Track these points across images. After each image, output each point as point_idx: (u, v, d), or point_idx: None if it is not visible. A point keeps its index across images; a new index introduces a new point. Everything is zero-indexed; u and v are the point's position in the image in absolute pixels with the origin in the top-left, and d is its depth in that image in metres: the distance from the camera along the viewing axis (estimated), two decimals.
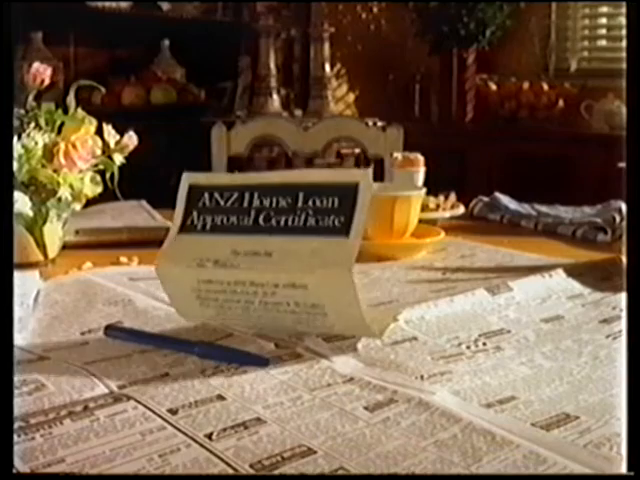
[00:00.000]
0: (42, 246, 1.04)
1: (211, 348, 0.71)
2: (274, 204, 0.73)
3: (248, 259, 0.71)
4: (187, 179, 0.78)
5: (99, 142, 1.05)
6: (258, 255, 0.71)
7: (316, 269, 0.69)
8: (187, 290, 0.75)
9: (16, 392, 0.62)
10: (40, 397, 0.61)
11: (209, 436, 0.55)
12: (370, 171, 0.71)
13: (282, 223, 0.72)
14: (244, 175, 0.79)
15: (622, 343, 0.75)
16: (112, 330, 0.77)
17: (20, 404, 0.60)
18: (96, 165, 1.05)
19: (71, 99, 1.05)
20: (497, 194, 1.49)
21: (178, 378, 0.65)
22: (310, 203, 0.71)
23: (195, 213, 0.76)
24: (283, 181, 0.75)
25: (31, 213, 1.01)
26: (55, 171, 1.00)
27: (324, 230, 0.70)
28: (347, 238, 0.68)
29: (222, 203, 0.75)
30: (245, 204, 0.74)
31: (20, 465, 0.51)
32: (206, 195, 0.76)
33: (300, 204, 0.71)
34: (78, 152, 1.01)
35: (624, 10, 3.19)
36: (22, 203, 0.99)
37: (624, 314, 0.83)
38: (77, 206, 1.05)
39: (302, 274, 0.69)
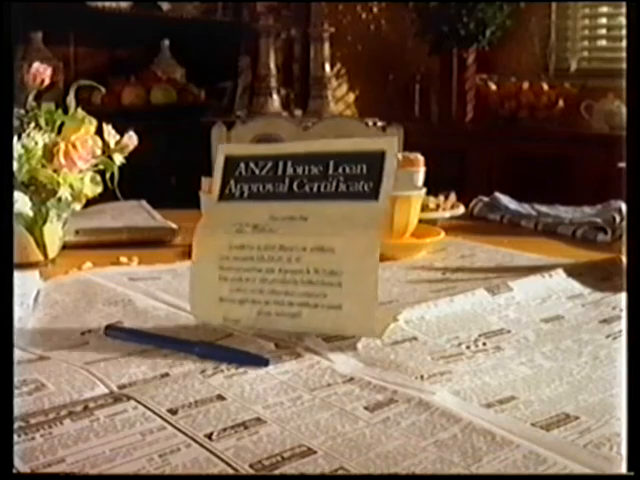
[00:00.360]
0: (42, 246, 1.04)
1: (211, 348, 0.71)
2: (307, 172, 0.77)
3: (285, 223, 0.76)
4: (223, 150, 0.82)
5: (99, 142, 1.05)
6: (294, 219, 0.76)
7: (345, 230, 0.73)
8: (214, 258, 0.77)
9: (16, 392, 0.62)
10: (40, 397, 0.61)
11: (209, 436, 0.55)
12: (395, 139, 0.75)
13: (315, 189, 0.76)
14: (277, 145, 0.83)
15: (622, 343, 0.75)
16: (112, 330, 0.77)
17: (20, 404, 0.60)
18: (96, 165, 1.05)
19: (71, 99, 1.05)
20: (497, 194, 1.49)
21: (178, 378, 0.65)
22: (340, 170, 0.75)
23: (232, 182, 0.80)
24: (314, 150, 0.78)
25: (31, 213, 1.01)
26: (55, 171, 1.00)
27: (354, 195, 0.74)
28: (376, 201, 0.73)
29: (257, 172, 0.79)
30: (279, 172, 0.78)
31: (20, 465, 0.51)
32: (242, 165, 0.80)
33: (331, 171, 0.75)
34: (78, 152, 1.01)
35: (624, 10, 3.19)
36: (22, 203, 0.99)
37: (624, 314, 0.83)
38: (77, 206, 1.05)
39: (332, 237, 0.73)
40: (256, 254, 0.76)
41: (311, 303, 0.74)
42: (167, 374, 0.67)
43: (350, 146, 0.77)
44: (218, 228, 0.79)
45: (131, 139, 1.09)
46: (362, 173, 0.74)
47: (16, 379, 0.64)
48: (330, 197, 0.75)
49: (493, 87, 3.44)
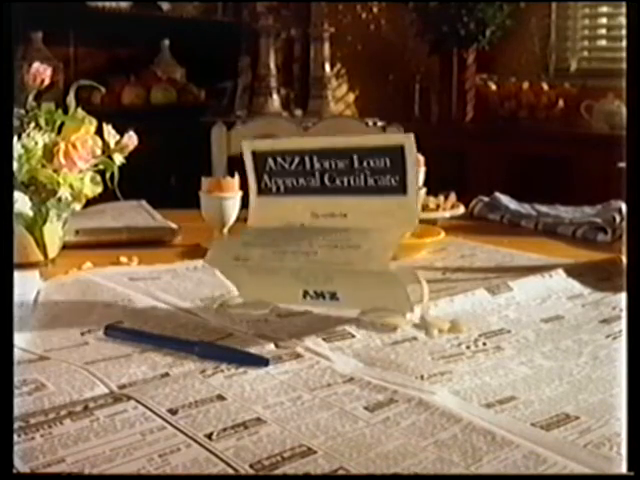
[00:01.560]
0: (42, 246, 1.04)
1: (211, 348, 0.71)
2: (334, 166, 0.79)
3: (327, 221, 0.79)
4: (248, 146, 0.84)
5: (99, 142, 1.05)
6: (334, 216, 0.79)
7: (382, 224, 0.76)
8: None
9: (16, 392, 0.62)
10: (40, 397, 0.61)
11: (209, 436, 0.55)
12: (412, 135, 0.76)
13: (345, 183, 0.78)
14: (299, 139, 0.85)
15: (622, 343, 0.75)
16: (112, 330, 0.77)
17: (20, 404, 0.60)
18: (96, 165, 1.05)
19: (71, 99, 1.05)
20: (497, 194, 1.49)
21: (178, 378, 0.65)
22: (365, 164, 0.77)
23: (266, 177, 0.83)
24: (337, 145, 0.80)
25: (31, 213, 1.01)
26: (55, 171, 1.00)
27: (384, 189, 0.76)
28: (405, 195, 0.76)
29: (287, 166, 0.81)
30: (307, 167, 0.80)
31: (20, 465, 0.51)
32: (270, 160, 0.82)
33: (356, 165, 0.77)
34: (78, 152, 1.01)
35: (624, 10, 3.19)
36: (22, 203, 0.99)
37: (624, 314, 0.83)
38: (77, 206, 1.05)
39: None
40: (284, 234, 0.80)
41: (330, 244, 0.76)
42: (167, 374, 0.67)
43: (370, 141, 0.80)
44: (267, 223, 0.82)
45: (131, 139, 1.09)
46: (386, 166, 0.76)
47: (16, 379, 0.64)
48: (362, 191, 0.77)
49: (493, 87, 3.44)
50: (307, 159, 0.80)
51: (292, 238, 0.78)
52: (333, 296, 0.78)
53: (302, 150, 0.81)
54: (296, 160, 0.80)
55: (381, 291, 0.77)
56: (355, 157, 0.77)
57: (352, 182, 0.78)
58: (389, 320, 0.77)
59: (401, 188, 0.76)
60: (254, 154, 0.83)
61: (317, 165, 0.79)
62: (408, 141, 0.75)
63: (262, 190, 0.83)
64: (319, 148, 0.80)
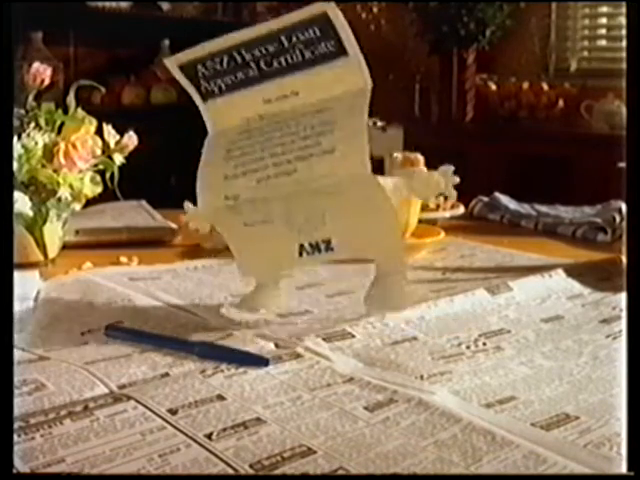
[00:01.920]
0: (42, 246, 1.04)
1: (211, 348, 0.71)
2: (265, 52, 0.76)
3: (281, 104, 0.77)
4: (172, 62, 0.81)
5: (99, 142, 1.05)
6: (287, 97, 0.76)
7: (336, 90, 0.75)
8: (222, 144, 0.80)
9: (16, 392, 0.62)
10: (40, 397, 0.61)
11: (209, 436, 0.55)
12: (332, 3, 0.73)
13: (284, 63, 0.75)
14: (219, 39, 0.81)
15: (622, 343, 0.75)
16: (112, 330, 0.77)
17: (20, 404, 0.60)
18: (96, 165, 1.05)
19: (71, 99, 1.05)
20: (497, 194, 1.49)
21: (178, 378, 0.65)
22: (295, 40, 0.74)
23: (203, 82, 0.80)
24: (260, 32, 0.77)
25: (31, 213, 1.01)
26: (55, 171, 1.00)
27: (325, 57, 0.74)
28: (347, 56, 0.73)
29: (218, 67, 0.79)
30: (239, 61, 0.77)
31: (20, 465, 0.51)
32: (199, 67, 0.80)
33: (286, 44, 0.75)
34: (78, 152, 1.01)
35: (624, 10, 3.19)
36: (22, 203, 0.99)
37: (624, 314, 0.83)
38: (77, 206, 1.05)
39: (326, 99, 0.75)
40: (258, 132, 0.77)
41: (306, 154, 0.74)
42: (167, 374, 0.67)
43: (291, 18, 0.76)
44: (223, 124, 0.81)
45: (131, 139, 1.09)
46: (317, 35, 0.73)
47: (16, 379, 0.64)
48: (303, 66, 0.75)
49: (493, 87, 3.44)
50: (236, 54, 0.77)
51: (263, 146, 0.76)
52: (328, 246, 0.76)
53: (228, 47, 0.78)
54: (225, 59, 0.78)
55: (371, 223, 0.74)
56: (283, 37, 0.75)
57: (290, 60, 0.75)
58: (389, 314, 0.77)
59: (340, 51, 0.73)
60: (182, 68, 0.81)
61: (248, 56, 0.77)
62: (329, 7, 0.73)
63: (205, 95, 0.81)
64: (243, 41, 0.78)
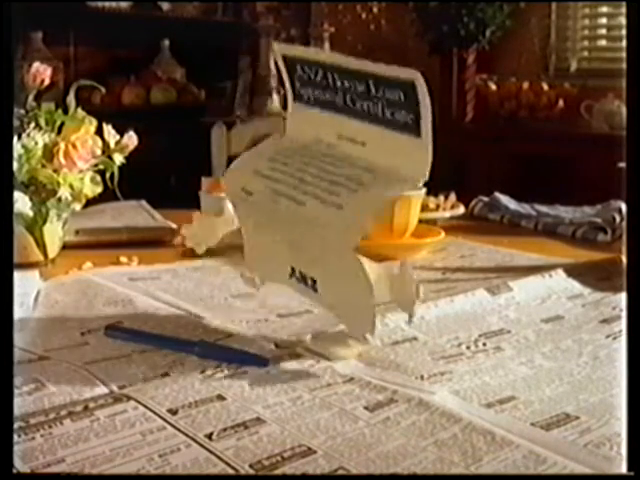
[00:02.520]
0: (42, 246, 1.04)
1: (211, 348, 0.71)
2: (353, 87, 0.75)
3: (347, 146, 0.76)
4: (279, 50, 0.81)
5: (99, 142, 1.05)
6: (355, 143, 0.75)
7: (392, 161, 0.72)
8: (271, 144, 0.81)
9: (16, 392, 0.62)
10: (40, 397, 0.61)
11: (209, 436, 0.55)
12: (419, 74, 0.71)
13: (365, 109, 0.74)
14: (321, 52, 0.80)
15: (622, 343, 0.75)
16: (112, 330, 0.77)
17: (20, 404, 0.60)
18: (96, 165, 1.05)
19: (71, 99, 1.05)
20: (497, 194, 1.49)
21: (178, 378, 0.65)
22: (380, 93, 0.73)
23: (298, 84, 0.80)
24: (352, 65, 0.76)
25: (31, 213, 1.01)
26: (55, 171, 1.00)
27: (400, 126, 0.72)
28: (420, 138, 0.71)
29: (312, 77, 0.78)
30: (330, 82, 0.77)
31: (20, 465, 0.51)
32: (298, 67, 0.79)
33: (373, 92, 0.73)
34: (78, 152, 1.01)
35: (624, 10, 3.19)
36: (22, 203, 0.99)
37: (624, 314, 0.83)
38: (77, 206, 1.05)
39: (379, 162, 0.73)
40: (310, 154, 0.77)
41: (322, 196, 0.72)
42: (167, 374, 0.67)
43: (382, 69, 0.74)
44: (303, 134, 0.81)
45: (131, 139, 1.09)
46: (400, 100, 0.71)
47: (16, 379, 0.64)
48: (380, 122, 0.73)
49: (493, 87, 3.44)
50: (329, 75, 0.77)
51: (301, 167, 0.76)
52: (314, 285, 0.74)
53: (324, 63, 0.78)
54: (320, 73, 0.78)
55: (348, 291, 0.72)
56: (371, 83, 0.73)
57: (371, 109, 0.74)
58: (334, 351, 0.71)
59: (415, 128, 0.71)
60: (284, 58, 0.81)
61: (338, 83, 0.76)
62: (417, 78, 0.70)
63: (297, 96, 0.81)
64: (338, 64, 0.77)
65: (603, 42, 3.48)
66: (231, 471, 0.51)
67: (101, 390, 0.63)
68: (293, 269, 0.76)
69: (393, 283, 0.71)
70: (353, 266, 0.69)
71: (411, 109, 0.70)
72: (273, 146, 0.81)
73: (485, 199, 1.49)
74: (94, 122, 1.05)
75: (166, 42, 3.42)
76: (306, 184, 0.74)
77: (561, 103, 3.26)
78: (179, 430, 0.56)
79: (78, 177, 1.02)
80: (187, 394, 0.62)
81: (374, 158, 0.73)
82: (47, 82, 1.07)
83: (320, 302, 0.75)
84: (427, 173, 0.71)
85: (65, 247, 1.09)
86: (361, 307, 0.70)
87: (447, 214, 1.36)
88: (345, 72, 0.76)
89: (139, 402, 0.60)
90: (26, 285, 0.91)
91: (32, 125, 1.01)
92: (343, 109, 0.76)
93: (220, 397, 0.62)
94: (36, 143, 0.99)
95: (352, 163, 0.74)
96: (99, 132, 1.06)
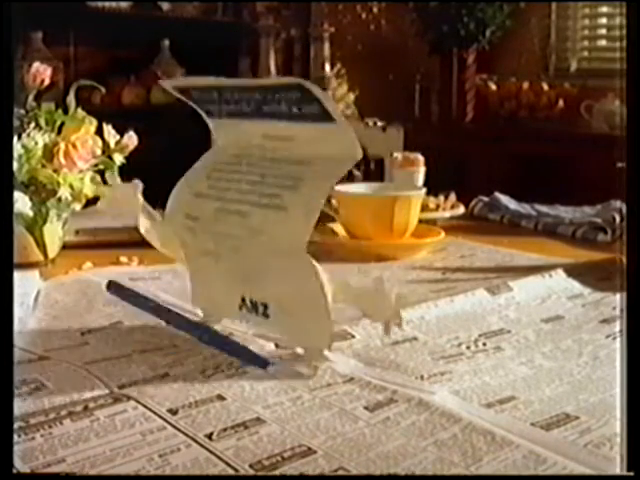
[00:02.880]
0: (42, 246, 1.04)
1: (217, 337, 0.72)
2: (251, 98, 0.74)
3: (277, 144, 0.74)
4: (168, 85, 0.82)
5: (99, 142, 1.05)
6: (284, 140, 0.73)
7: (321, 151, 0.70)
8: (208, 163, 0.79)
9: (16, 392, 0.62)
10: (40, 397, 0.61)
11: (209, 436, 0.55)
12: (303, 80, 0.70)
13: (275, 109, 0.72)
14: (209, 79, 0.78)
15: (622, 343, 0.75)
16: (115, 289, 0.77)
17: (20, 404, 0.60)
18: (96, 165, 1.05)
19: (71, 99, 1.05)
20: (497, 194, 1.49)
21: (178, 378, 0.65)
22: (278, 96, 0.71)
23: (202, 104, 0.80)
24: (241, 84, 0.78)
25: (31, 213, 1.01)
26: (55, 171, 1.00)
27: (314, 117, 0.69)
28: (335, 122, 0.68)
29: (211, 97, 0.78)
30: (229, 98, 0.76)
31: (20, 465, 0.51)
32: (194, 92, 0.80)
33: (270, 97, 0.72)
34: (78, 152, 1.01)
35: (624, 10, 3.19)
36: (22, 203, 0.99)
37: (624, 314, 0.83)
38: (77, 206, 1.05)
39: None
40: (246, 162, 0.75)
41: (263, 202, 0.70)
42: (167, 374, 0.67)
43: (268, 82, 0.76)
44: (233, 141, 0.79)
45: (131, 139, 1.09)
46: (299, 97, 0.69)
47: (16, 379, 0.64)
48: (294, 117, 0.71)
49: (493, 87, 3.44)
50: (225, 93, 0.76)
51: (240, 177, 0.74)
52: (265, 310, 0.72)
53: (216, 85, 0.76)
54: (215, 93, 0.77)
55: (301, 299, 0.69)
56: (265, 91, 0.72)
57: (280, 108, 0.71)
58: (297, 367, 0.69)
59: (327, 116, 0.68)
60: (177, 89, 0.81)
61: (236, 96, 0.75)
62: (302, 82, 0.68)
63: (208, 113, 0.80)
64: (226, 85, 0.76)
65: (603, 42, 3.48)
66: (231, 471, 0.51)
67: (101, 390, 0.63)
68: (243, 299, 0.73)
69: (367, 300, 0.69)
70: (305, 268, 0.67)
71: (313, 102, 0.68)
72: (209, 163, 0.79)
73: (485, 199, 1.49)
74: (94, 122, 1.05)
75: (166, 42, 3.42)
76: (246, 193, 0.72)
77: (561, 103, 3.26)
78: (179, 430, 0.56)
79: (78, 177, 1.02)
80: (187, 394, 0.62)
81: (305, 150, 0.71)
82: (47, 82, 1.07)
83: (273, 328, 0.73)
84: (359, 150, 0.68)
85: (65, 247, 1.09)
86: (316, 316, 0.68)
87: (447, 214, 1.36)
88: (236, 90, 0.75)
89: (139, 402, 0.60)
90: (26, 285, 0.91)
91: (32, 125, 1.01)
92: (255, 114, 0.74)
93: (220, 397, 0.62)
94: (36, 143, 0.99)
95: (286, 159, 0.72)
96: (99, 132, 1.06)
